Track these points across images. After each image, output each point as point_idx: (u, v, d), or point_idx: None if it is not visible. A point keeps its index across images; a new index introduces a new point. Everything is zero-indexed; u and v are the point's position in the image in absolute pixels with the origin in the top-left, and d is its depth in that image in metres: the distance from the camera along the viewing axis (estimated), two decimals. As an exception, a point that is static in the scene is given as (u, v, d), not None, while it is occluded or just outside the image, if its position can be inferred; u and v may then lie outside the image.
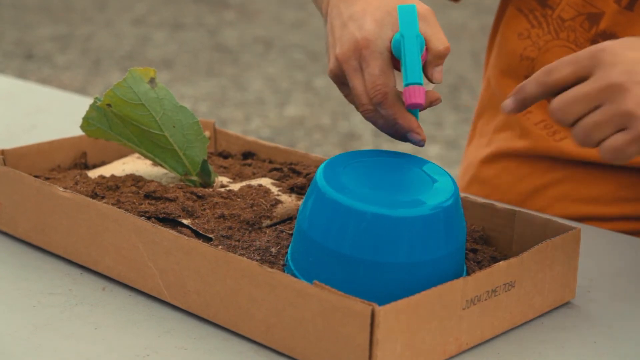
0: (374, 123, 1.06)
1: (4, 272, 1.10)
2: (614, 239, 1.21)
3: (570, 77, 0.91)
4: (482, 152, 1.43)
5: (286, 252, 1.00)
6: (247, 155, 1.32)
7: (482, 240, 1.09)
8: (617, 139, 0.89)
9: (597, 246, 1.18)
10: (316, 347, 0.89)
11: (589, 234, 1.17)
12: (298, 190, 1.15)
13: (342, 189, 0.92)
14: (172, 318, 1.00)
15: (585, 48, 1.23)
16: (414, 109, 1.03)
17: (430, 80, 1.06)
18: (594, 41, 1.28)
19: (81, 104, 1.64)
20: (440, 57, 1.05)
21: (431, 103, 1.06)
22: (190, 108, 1.12)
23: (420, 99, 0.98)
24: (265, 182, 1.16)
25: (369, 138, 3.92)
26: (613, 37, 1.26)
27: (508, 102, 0.94)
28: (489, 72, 1.43)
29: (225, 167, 1.24)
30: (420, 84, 0.99)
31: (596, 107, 0.89)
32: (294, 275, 0.95)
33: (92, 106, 1.15)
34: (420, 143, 1.03)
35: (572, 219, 1.33)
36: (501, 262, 0.95)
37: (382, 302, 0.86)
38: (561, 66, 0.91)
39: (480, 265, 1.02)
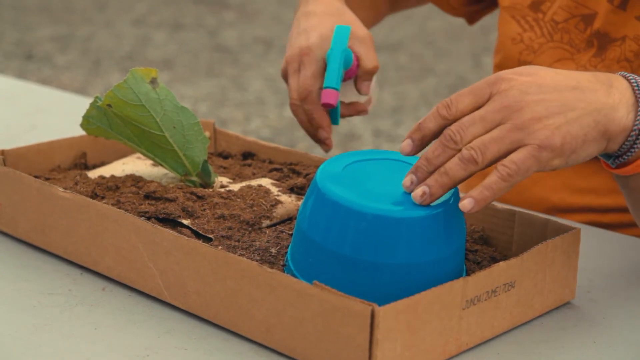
0: (297, 116, 1.29)
1: (4, 272, 1.10)
2: (614, 239, 1.21)
3: (470, 108, 0.92)
4: None
5: (286, 252, 1.00)
6: (247, 155, 1.32)
7: (482, 241, 1.09)
8: (517, 154, 0.90)
9: (597, 246, 1.18)
10: (316, 347, 0.89)
11: (588, 234, 1.17)
12: (298, 191, 1.15)
13: (342, 190, 0.92)
14: (172, 318, 1.00)
15: (579, 48, 1.24)
16: (331, 112, 1.28)
17: (359, 92, 1.30)
18: (589, 41, 1.29)
19: (81, 104, 1.64)
20: (369, 73, 1.29)
21: (358, 112, 1.33)
22: (190, 108, 1.12)
23: (331, 100, 1.23)
24: (265, 182, 1.16)
25: (369, 138, 3.92)
26: (607, 37, 1.27)
27: (405, 145, 0.94)
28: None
29: (225, 168, 1.24)
30: (335, 88, 1.23)
31: (492, 128, 0.91)
32: (293, 275, 0.95)
33: (92, 105, 1.15)
34: (324, 143, 1.29)
35: (570, 210, 1.34)
36: (501, 263, 0.95)
37: (382, 303, 0.86)
38: (460, 98, 0.92)
39: (480, 266, 1.02)
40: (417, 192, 0.91)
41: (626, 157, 0.95)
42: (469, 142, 0.90)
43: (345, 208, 0.91)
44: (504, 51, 1.38)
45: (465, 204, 0.91)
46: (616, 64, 1.27)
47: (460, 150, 0.90)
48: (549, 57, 1.32)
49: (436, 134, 0.92)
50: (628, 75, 0.96)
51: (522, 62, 1.35)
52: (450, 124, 0.91)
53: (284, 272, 0.97)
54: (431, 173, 0.91)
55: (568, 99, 0.91)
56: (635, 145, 0.94)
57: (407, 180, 0.92)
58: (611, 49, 1.27)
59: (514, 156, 0.90)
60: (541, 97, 0.90)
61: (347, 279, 0.91)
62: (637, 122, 0.93)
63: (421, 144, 0.93)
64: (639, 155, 0.95)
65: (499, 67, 1.40)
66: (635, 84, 0.95)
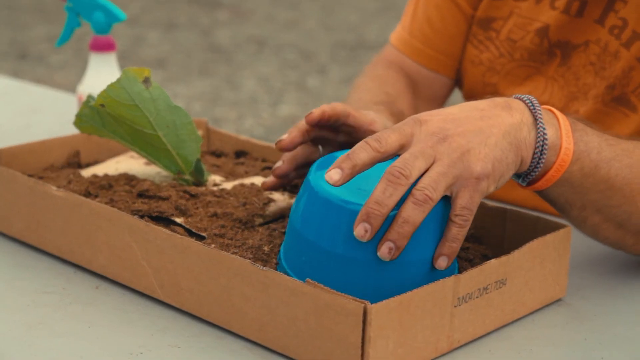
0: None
1: (-2, 271, 1.10)
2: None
3: (397, 144, 0.92)
4: None
5: (279, 251, 1.01)
6: (240, 154, 1.32)
7: (474, 239, 1.09)
8: (462, 199, 0.91)
9: (587, 244, 1.18)
10: (309, 344, 0.90)
11: (579, 231, 1.18)
12: (290, 189, 1.15)
13: (334, 188, 0.93)
14: (165, 316, 1.00)
15: (542, 61, 1.25)
16: None
17: None
18: (550, 52, 1.32)
19: (75, 104, 1.65)
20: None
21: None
22: (183, 107, 1.12)
23: None
24: (258, 180, 1.16)
25: (363, 137, 3.92)
26: (569, 44, 1.31)
27: (334, 173, 0.90)
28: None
29: (218, 166, 1.25)
30: None
31: (432, 163, 0.91)
32: (286, 273, 0.95)
33: (85, 103, 1.15)
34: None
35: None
36: (492, 260, 0.95)
37: (375, 300, 0.86)
38: (386, 134, 0.92)
39: (472, 263, 1.02)
40: (384, 251, 0.89)
41: (533, 175, 0.98)
42: (416, 177, 0.90)
43: (338, 206, 0.91)
44: (467, 76, 1.41)
45: (440, 262, 0.92)
46: (582, 69, 1.29)
47: (407, 185, 0.90)
48: (516, 77, 1.35)
49: (366, 166, 0.91)
50: (522, 96, 0.98)
51: (486, 84, 1.37)
52: (380, 158, 0.92)
53: (276, 270, 0.97)
54: (384, 217, 0.89)
55: (482, 127, 0.93)
56: (540, 162, 0.96)
57: (360, 229, 0.89)
58: (576, 56, 1.29)
59: (461, 201, 0.91)
60: (460, 129, 0.92)
61: (341, 277, 0.91)
62: (539, 140, 0.96)
63: (351, 174, 0.91)
64: (545, 170, 0.98)
65: (466, 91, 1.42)
66: (530, 104, 0.97)
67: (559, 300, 1.06)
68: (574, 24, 1.29)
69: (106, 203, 1.08)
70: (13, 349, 0.94)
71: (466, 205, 0.91)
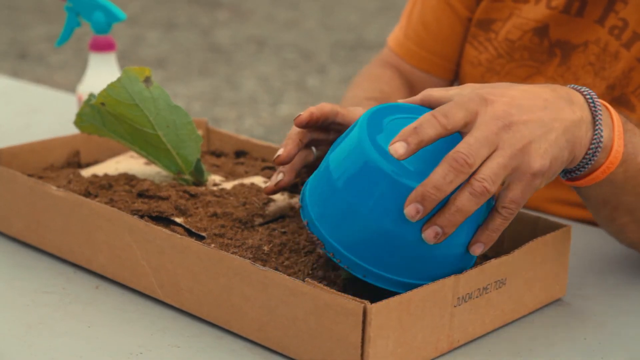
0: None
1: (-2, 271, 1.10)
2: (605, 236, 1.21)
3: (462, 122, 0.90)
4: None
5: (278, 251, 1.00)
6: (240, 154, 1.32)
7: (474, 238, 1.09)
8: (514, 192, 0.90)
9: (587, 243, 1.18)
10: (309, 344, 0.90)
11: (579, 231, 1.18)
12: (290, 189, 1.15)
13: (388, 156, 0.89)
14: (165, 316, 1.00)
15: (542, 60, 1.24)
16: None
17: None
18: (550, 52, 1.31)
19: (74, 104, 1.65)
20: None
21: None
22: (183, 107, 1.12)
23: None
24: (258, 180, 1.16)
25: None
26: (569, 44, 1.30)
27: (399, 147, 0.87)
28: None
29: (217, 166, 1.25)
30: None
31: (493, 151, 0.89)
32: (311, 220, 0.93)
33: (86, 102, 1.15)
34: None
35: (561, 201, 1.34)
36: (492, 260, 0.95)
37: (392, 270, 0.87)
38: (454, 110, 0.89)
39: (472, 263, 1.02)
40: (430, 234, 0.88)
41: (578, 173, 0.97)
42: (478, 165, 0.88)
43: (393, 180, 0.88)
44: (466, 77, 1.41)
45: (476, 249, 0.91)
46: (581, 69, 1.29)
47: (468, 174, 0.88)
48: (516, 77, 1.35)
49: (432, 141, 0.89)
50: (581, 89, 0.96)
51: None
52: (447, 135, 0.89)
53: (301, 213, 0.95)
54: (439, 201, 0.87)
55: (545, 119, 0.91)
56: (589, 162, 0.95)
57: (411, 209, 0.87)
58: (575, 56, 1.29)
59: (512, 194, 0.90)
60: (524, 117, 0.90)
61: (370, 242, 0.90)
62: (594, 141, 0.94)
63: (416, 149, 0.88)
64: (592, 170, 0.97)
65: None
66: (590, 100, 0.95)
67: (558, 299, 1.06)
68: (574, 23, 1.29)
69: (106, 203, 1.08)
70: (13, 348, 0.94)
71: (516, 200, 0.90)
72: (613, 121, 0.96)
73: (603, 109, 0.96)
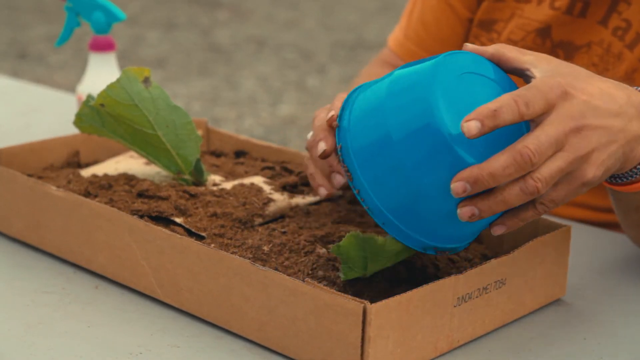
0: None
1: (-2, 271, 1.10)
2: (605, 236, 1.22)
3: (539, 112, 0.88)
4: None
5: (278, 251, 1.00)
6: (240, 154, 1.32)
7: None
8: (559, 193, 0.90)
9: (587, 243, 1.18)
10: (308, 344, 0.90)
11: (579, 231, 1.18)
12: (290, 189, 1.16)
13: (453, 122, 0.87)
14: (165, 316, 1.00)
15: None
16: None
17: None
18: (553, 53, 1.31)
19: (74, 103, 1.65)
20: None
21: None
22: (183, 107, 1.12)
23: None
24: (258, 180, 1.16)
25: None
26: (571, 45, 1.30)
27: (474, 127, 0.85)
28: None
29: (217, 166, 1.25)
30: None
31: (557, 152, 0.88)
32: (346, 151, 0.91)
33: (85, 103, 1.15)
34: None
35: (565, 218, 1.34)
36: (492, 260, 0.95)
37: (409, 226, 0.88)
38: (535, 99, 0.88)
39: (472, 263, 1.02)
40: (466, 212, 0.87)
41: (619, 181, 0.97)
42: (541, 164, 0.87)
43: (456, 155, 0.86)
44: None
45: (497, 229, 0.91)
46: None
47: (529, 171, 0.87)
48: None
49: (506, 125, 0.87)
50: None
51: None
52: (521, 121, 0.88)
53: (341, 162, 0.92)
54: (489, 187, 0.86)
55: (612, 129, 0.90)
56: (634, 175, 0.96)
57: (459, 186, 0.85)
58: (578, 57, 1.29)
59: (555, 195, 0.89)
60: (596, 122, 0.89)
61: (400, 194, 0.89)
62: None
63: (490, 131, 0.86)
64: (634, 181, 0.97)
65: None
66: None
67: (558, 300, 1.06)
68: (577, 24, 1.29)
69: (106, 203, 1.08)
70: (12, 348, 0.94)
71: (557, 201, 0.90)
72: None
73: None
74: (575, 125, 0.88)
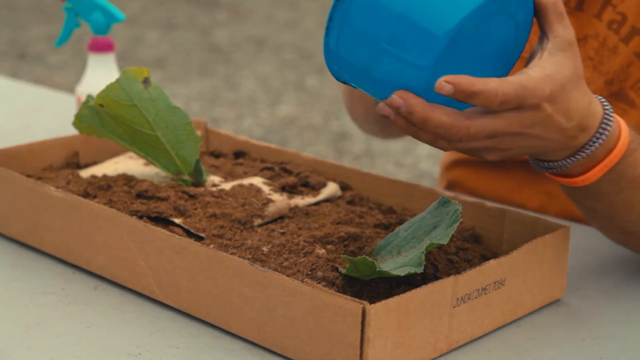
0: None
1: (-3, 271, 1.10)
2: (604, 236, 1.22)
3: (509, 109, 0.91)
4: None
5: (277, 252, 1.00)
6: (239, 154, 1.32)
7: (473, 239, 1.09)
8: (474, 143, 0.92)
9: (586, 244, 1.18)
10: (307, 345, 0.90)
11: (579, 231, 1.18)
12: (289, 189, 1.16)
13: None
14: (164, 317, 1.00)
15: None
16: None
17: None
18: None
19: (74, 104, 1.65)
20: None
21: None
22: (182, 108, 1.12)
23: None
24: (257, 181, 1.16)
25: (361, 137, 3.92)
26: None
27: (445, 89, 0.87)
28: None
29: (217, 167, 1.25)
30: None
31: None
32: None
33: (84, 104, 1.15)
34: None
35: (564, 218, 1.34)
36: (491, 261, 0.95)
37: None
38: (515, 100, 0.90)
39: (471, 264, 1.02)
40: (384, 110, 0.90)
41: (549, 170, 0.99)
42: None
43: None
44: None
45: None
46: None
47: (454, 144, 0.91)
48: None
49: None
50: (607, 123, 0.97)
51: None
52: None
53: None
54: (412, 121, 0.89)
55: (550, 145, 0.94)
56: (562, 167, 0.98)
57: (395, 101, 0.89)
58: None
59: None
60: (535, 132, 0.92)
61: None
62: (603, 124, 0.96)
63: (454, 97, 0.88)
64: (560, 173, 0.99)
65: None
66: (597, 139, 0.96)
67: (557, 300, 1.06)
68: (574, 17, 1.29)
69: (105, 204, 1.08)
70: (12, 349, 0.94)
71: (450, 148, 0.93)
72: (620, 133, 0.98)
73: (615, 125, 0.98)
74: (519, 130, 0.92)
